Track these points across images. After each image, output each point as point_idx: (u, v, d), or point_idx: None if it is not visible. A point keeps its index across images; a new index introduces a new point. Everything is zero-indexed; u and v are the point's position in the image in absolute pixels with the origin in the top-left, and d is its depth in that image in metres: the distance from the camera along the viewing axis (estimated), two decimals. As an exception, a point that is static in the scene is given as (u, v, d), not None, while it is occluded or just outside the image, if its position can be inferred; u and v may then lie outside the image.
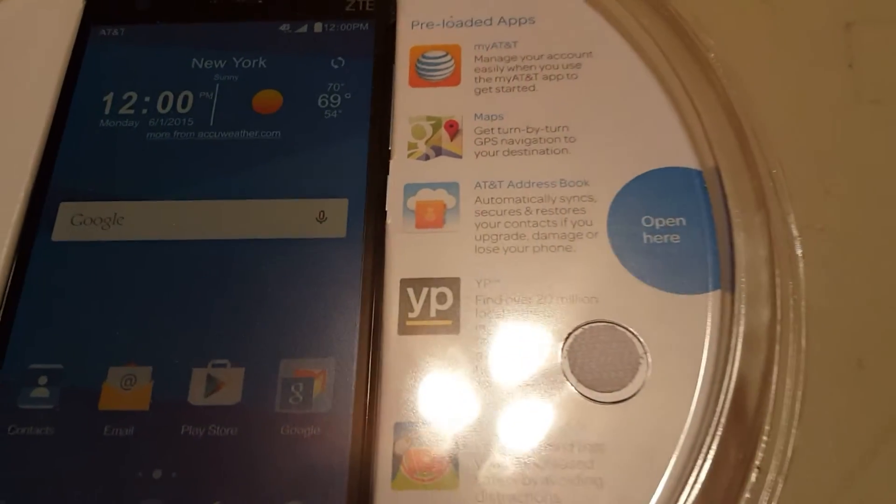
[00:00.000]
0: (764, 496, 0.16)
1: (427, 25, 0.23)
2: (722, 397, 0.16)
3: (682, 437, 0.17)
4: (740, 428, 0.16)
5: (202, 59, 0.23)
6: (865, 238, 0.25)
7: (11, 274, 0.20)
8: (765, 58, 0.28)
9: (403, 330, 0.19)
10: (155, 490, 0.17)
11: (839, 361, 0.23)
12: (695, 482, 0.16)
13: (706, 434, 0.16)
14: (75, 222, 0.21)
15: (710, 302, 0.18)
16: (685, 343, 0.18)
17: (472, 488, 0.17)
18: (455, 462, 0.17)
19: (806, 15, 0.30)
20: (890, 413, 0.22)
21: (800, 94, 0.28)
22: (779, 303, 0.18)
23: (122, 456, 0.18)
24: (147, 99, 0.22)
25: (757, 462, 0.16)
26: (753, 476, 0.16)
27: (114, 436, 0.18)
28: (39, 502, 0.17)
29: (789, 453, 0.16)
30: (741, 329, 0.17)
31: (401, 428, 0.17)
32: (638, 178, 0.20)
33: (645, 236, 0.19)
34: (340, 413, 0.18)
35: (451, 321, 0.19)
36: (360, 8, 0.24)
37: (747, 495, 0.16)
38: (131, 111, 0.22)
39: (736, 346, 0.17)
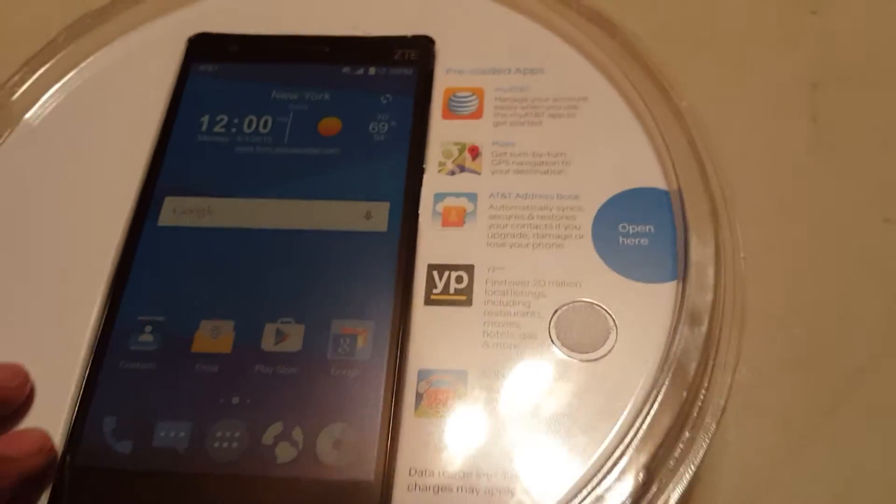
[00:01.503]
0: (701, 436, 0.21)
1: (458, 72, 0.28)
2: (671, 357, 0.21)
3: (639, 386, 0.21)
4: (684, 381, 0.21)
5: (280, 92, 0.29)
6: (808, 252, 0.30)
7: (125, 250, 0.25)
8: (735, 107, 0.34)
9: (428, 302, 0.24)
10: (232, 412, 0.22)
11: (777, 341, 0.28)
12: (645, 419, 0.21)
13: (658, 384, 0.21)
14: (176, 212, 0.26)
15: (667, 289, 0.23)
16: (646, 319, 0.23)
17: (473, 417, 0.22)
18: (463, 396, 0.22)
19: (777, 75, 0.36)
20: (833, 390, 0.27)
21: (763, 137, 0.33)
22: (722, 291, 0.23)
23: (208, 386, 0.23)
24: (235, 121, 0.28)
25: (696, 407, 0.21)
26: (694, 415, 0.21)
27: (202, 371, 0.23)
28: (142, 418, 0.22)
29: (722, 402, 0.21)
30: (689, 308, 0.22)
31: (423, 373, 0.22)
32: (618, 194, 0.25)
33: (621, 238, 0.24)
34: (377, 361, 0.23)
35: (465, 297, 0.24)
36: (406, 57, 0.29)
37: (687, 434, 0.21)
38: (223, 130, 0.28)
39: (683, 320, 0.22)
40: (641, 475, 0.20)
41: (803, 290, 0.30)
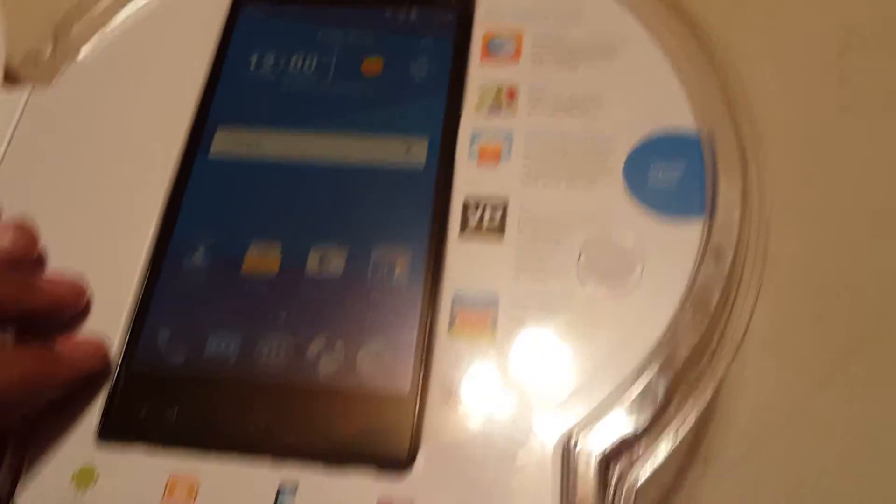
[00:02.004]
0: (719, 365, 0.22)
1: (498, 16, 0.29)
2: (695, 289, 0.22)
3: (663, 316, 0.22)
4: (706, 312, 0.22)
5: (326, 33, 0.30)
6: (830, 205, 0.31)
7: (179, 177, 0.27)
8: (767, 62, 0.34)
9: (463, 234, 0.25)
10: (280, 325, 0.24)
11: (797, 289, 0.29)
12: (667, 346, 0.22)
13: (681, 314, 0.22)
14: (227, 143, 0.28)
15: (694, 227, 0.24)
16: (673, 254, 0.24)
17: (503, 340, 0.23)
18: (494, 321, 0.23)
19: (808, 40, 0.36)
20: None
21: (791, 95, 0.34)
22: (747, 230, 0.23)
23: (257, 302, 0.24)
24: (283, 60, 0.29)
25: (716, 337, 0.22)
26: (714, 344, 0.22)
27: (251, 289, 0.25)
28: (195, 331, 0.24)
29: (741, 334, 0.22)
30: (714, 244, 0.23)
31: (457, 298, 0.24)
32: (650, 136, 0.26)
33: (651, 178, 0.25)
34: (413, 286, 0.24)
35: (499, 230, 0.25)
36: (447, 1, 0.30)
37: (706, 360, 0.22)
38: (270, 68, 0.29)
39: (708, 255, 0.23)
40: (661, 396, 0.21)
41: (825, 242, 0.30)
